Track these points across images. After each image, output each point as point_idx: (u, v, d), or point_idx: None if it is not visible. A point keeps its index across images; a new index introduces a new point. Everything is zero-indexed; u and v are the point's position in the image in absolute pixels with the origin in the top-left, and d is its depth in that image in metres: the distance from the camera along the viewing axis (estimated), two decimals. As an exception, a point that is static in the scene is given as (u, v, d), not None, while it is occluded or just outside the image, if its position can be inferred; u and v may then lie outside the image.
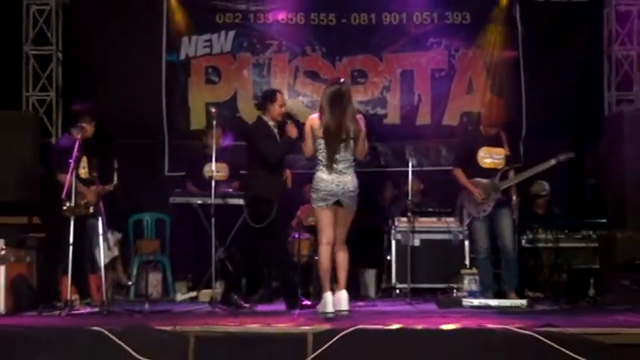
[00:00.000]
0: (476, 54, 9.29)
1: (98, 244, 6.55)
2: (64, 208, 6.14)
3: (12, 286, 6.38)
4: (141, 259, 8.21)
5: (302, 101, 9.28)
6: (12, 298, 6.36)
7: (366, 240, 7.96)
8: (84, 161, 6.68)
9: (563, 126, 9.02)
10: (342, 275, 5.87)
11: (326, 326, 4.92)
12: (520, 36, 9.28)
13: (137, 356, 4.63)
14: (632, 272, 6.60)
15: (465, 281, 6.94)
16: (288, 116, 6.82)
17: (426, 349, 4.70)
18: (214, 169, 6.75)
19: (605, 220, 7.64)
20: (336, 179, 5.82)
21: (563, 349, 4.55)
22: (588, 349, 4.57)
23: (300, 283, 6.89)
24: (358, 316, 5.74)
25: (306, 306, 6.44)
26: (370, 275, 8.23)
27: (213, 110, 7.03)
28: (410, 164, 7.58)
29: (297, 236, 7.63)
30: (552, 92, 9.11)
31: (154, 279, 8.19)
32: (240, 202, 7.26)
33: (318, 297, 6.31)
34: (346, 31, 9.29)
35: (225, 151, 7.81)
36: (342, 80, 6.08)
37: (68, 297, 6.13)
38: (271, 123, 6.69)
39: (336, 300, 5.74)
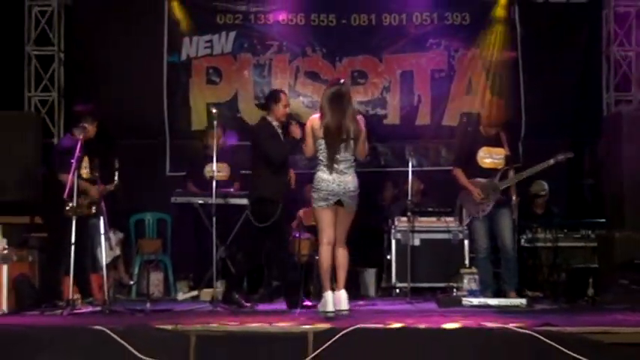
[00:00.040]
0: (475, 55, 9.32)
1: (100, 243, 6.54)
2: (67, 208, 6.16)
3: (14, 285, 6.39)
4: (142, 259, 8.23)
5: (302, 102, 9.31)
6: (14, 297, 6.37)
7: (366, 239, 7.98)
8: (86, 161, 6.69)
9: (562, 126, 9.05)
10: (342, 275, 5.90)
11: (326, 325, 4.94)
12: (519, 37, 9.30)
13: (139, 355, 4.65)
14: (630, 271, 6.61)
15: (465, 280, 6.95)
16: (292, 116, 6.83)
17: (425, 348, 4.71)
18: (215, 170, 6.76)
19: (603, 220, 7.67)
20: (337, 179, 5.85)
21: (562, 348, 4.56)
22: (587, 348, 4.58)
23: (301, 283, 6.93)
24: (358, 315, 5.76)
25: (308, 306, 6.46)
26: (370, 274, 8.25)
27: (214, 110, 7.06)
28: (410, 164, 7.59)
29: (297, 236, 7.66)
30: (551, 93, 9.13)
31: (156, 278, 8.20)
32: (241, 201, 7.30)
33: (318, 296, 6.33)
34: (346, 32, 9.32)
35: (227, 151, 7.84)
36: (341, 81, 6.11)
37: (70, 296, 6.15)
38: (275, 123, 6.71)
39: (337, 299, 5.77)
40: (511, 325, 4.79)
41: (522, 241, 7.93)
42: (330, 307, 5.75)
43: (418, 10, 9.30)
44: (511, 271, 6.93)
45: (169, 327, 4.89)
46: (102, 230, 6.52)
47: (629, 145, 7.13)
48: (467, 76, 9.35)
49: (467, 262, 7.69)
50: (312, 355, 4.64)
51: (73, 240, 6.13)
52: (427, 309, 6.54)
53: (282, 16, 9.32)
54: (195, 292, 7.78)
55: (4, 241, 6.55)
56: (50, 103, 9.14)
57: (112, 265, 7.86)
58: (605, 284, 6.84)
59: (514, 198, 6.95)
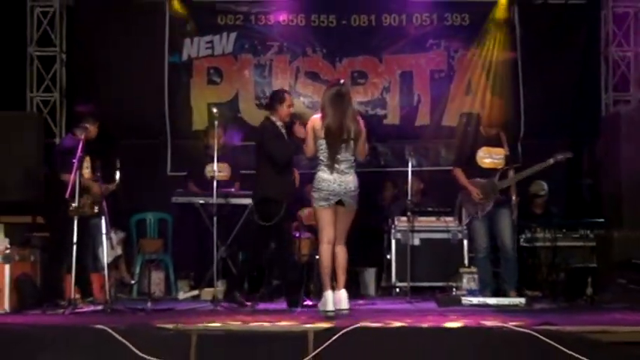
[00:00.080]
0: (475, 55, 9.35)
1: (101, 243, 6.56)
2: (70, 208, 6.18)
3: (16, 284, 6.42)
4: (144, 258, 8.26)
5: (303, 102, 9.32)
6: (16, 296, 6.40)
7: (366, 239, 8.00)
8: (87, 161, 6.71)
9: (561, 126, 9.07)
10: (342, 274, 5.93)
11: (327, 324, 4.95)
12: (518, 37, 9.33)
13: (140, 354, 4.65)
14: (628, 271, 6.62)
15: (464, 280, 6.97)
16: (296, 116, 6.85)
17: (425, 347, 4.72)
18: (216, 170, 6.78)
19: (602, 220, 7.68)
20: (338, 179, 5.88)
21: (561, 347, 4.57)
22: (586, 347, 4.58)
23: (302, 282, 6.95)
24: (358, 314, 5.77)
25: (308, 305, 6.48)
26: (370, 274, 8.27)
27: (215, 111, 7.08)
28: (409, 164, 7.61)
29: (297, 235, 7.68)
30: (550, 93, 9.16)
31: (157, 277, 8.23)
32: (242, 201, 7.32)
33: (318, 296, 6.35)
34: (346, 33, 9.34)
35: (228, 151, 7.86)
36: (341, 81, 6.14)
37: (72, 295, 6.17)
38: (279, 123, 6.72)
39: (337, 298, 5.80)
40: (510, 325, 4.79)
41: (521, 240, 7.95)
42: (331, 307, 5.77)
43: (418, 11, 9.33)
44: (510, 271, 6.95)
45: (170, 326, 4.89)
46: (103, 230, 6.53)
47: (627, 145, 7.14)
48: (466, 77, 9.38)
49: (466, 261, 7.71)
50: (313, 354, 4.65)
51: (74, 239, 6.14)
52: (427, 308, 6.56)
53: (282, 17, 9.34)
54: (196, 292, 7.79)
55: (7, 240, 6.58)
56: (52, 104, 9.17)
57: (114, 264, 7.87)
58: (604, 284, 6.86)
59: (514, 198, 6.96)
